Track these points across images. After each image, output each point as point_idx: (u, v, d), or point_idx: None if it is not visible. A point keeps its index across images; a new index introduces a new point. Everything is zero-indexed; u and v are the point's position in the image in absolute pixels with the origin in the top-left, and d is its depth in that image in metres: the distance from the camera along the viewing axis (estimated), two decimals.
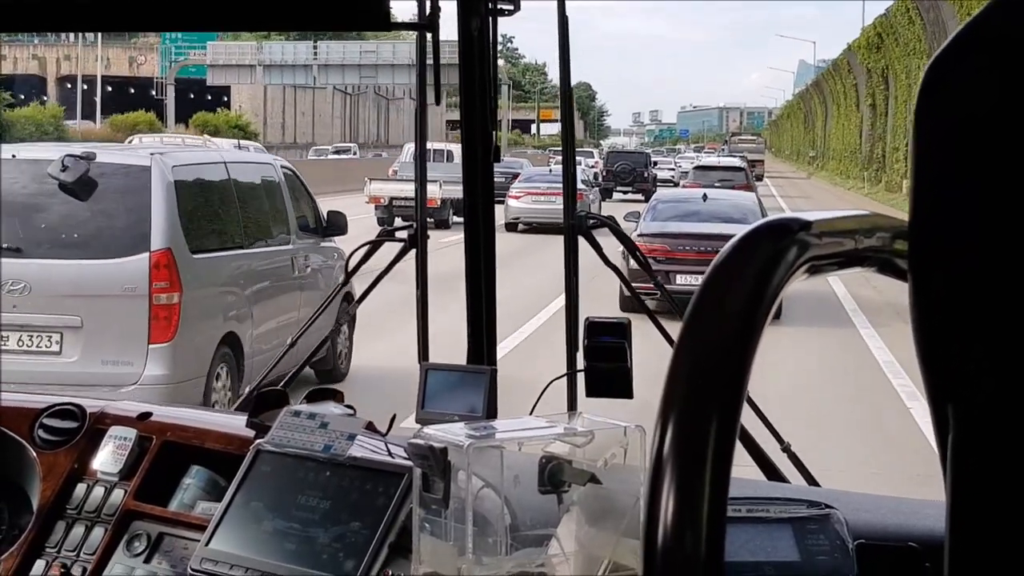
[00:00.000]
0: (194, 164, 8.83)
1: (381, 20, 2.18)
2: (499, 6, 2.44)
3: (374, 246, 2.97)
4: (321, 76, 63.38)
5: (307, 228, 10.24)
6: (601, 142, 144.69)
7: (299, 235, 9.94)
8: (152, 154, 8.20)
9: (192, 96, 73.80)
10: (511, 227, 27.17)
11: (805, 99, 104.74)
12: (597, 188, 32.96)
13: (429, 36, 2.45)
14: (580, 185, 28.39)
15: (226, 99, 74.20)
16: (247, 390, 2.73)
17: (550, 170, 33.46)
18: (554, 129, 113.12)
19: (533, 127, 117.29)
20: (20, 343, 7.69)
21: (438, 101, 2.49)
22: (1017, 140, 0.66)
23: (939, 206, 0.69)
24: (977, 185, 0.68)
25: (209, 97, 73.95)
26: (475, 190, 2.53)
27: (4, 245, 7.67)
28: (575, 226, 2.56)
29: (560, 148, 2.83)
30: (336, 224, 10.51)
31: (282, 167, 10.37)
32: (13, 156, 8.12)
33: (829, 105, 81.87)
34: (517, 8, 2.45)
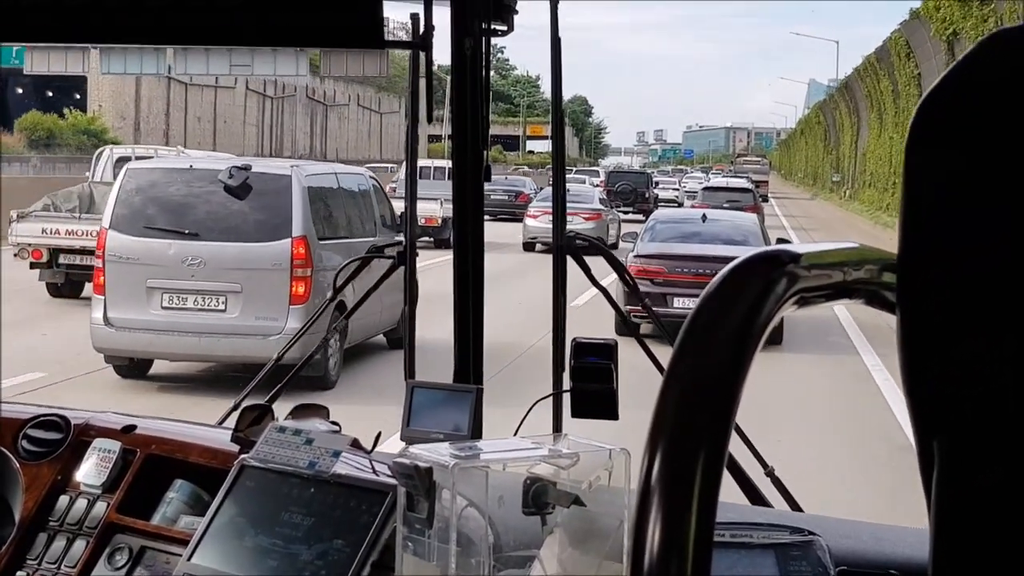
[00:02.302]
0: (318, 174, 11.90)
1: (375, 38, 2.17)
2: (493, 27, 2.44)
3: (363, 263, 2.97)
4: (178, 64, 46.12)
5: (386, 224, 12.96)
6: (599, 161, 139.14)
7: (381, 230, 12.57)
8: (292, 166, 11.37)
9: (33, 90, 54.69)
10: (528, 247, 26.76)
11: (826, 110, 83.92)
12: (614, 208, 32.26)
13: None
14: (598, 205, 28.20)
15: (58, 95, 54.71)
16: (231, 404, 2.72)
17: (567, 189, 32.89)
18: (542, 147, 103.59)
19: (520, 143, 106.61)
20: (196, 303, 10.66)
21: (430, 119, 2.49)
22: (1010, 177, 0.66)
23: (929, 240, 0.69)
24: (968, 220, 0.68)
25: (53, 93, 55.07)
26: (465, 210, 2.51)
27: (187, 231, 10.63)
28: (562, 247, 2.55)
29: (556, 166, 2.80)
30: None
31: (369, 176, 13.43)
32: (191, 166, 11.37)
33: (864, 113, 59.53)
34: (510, 29, 2.45)
